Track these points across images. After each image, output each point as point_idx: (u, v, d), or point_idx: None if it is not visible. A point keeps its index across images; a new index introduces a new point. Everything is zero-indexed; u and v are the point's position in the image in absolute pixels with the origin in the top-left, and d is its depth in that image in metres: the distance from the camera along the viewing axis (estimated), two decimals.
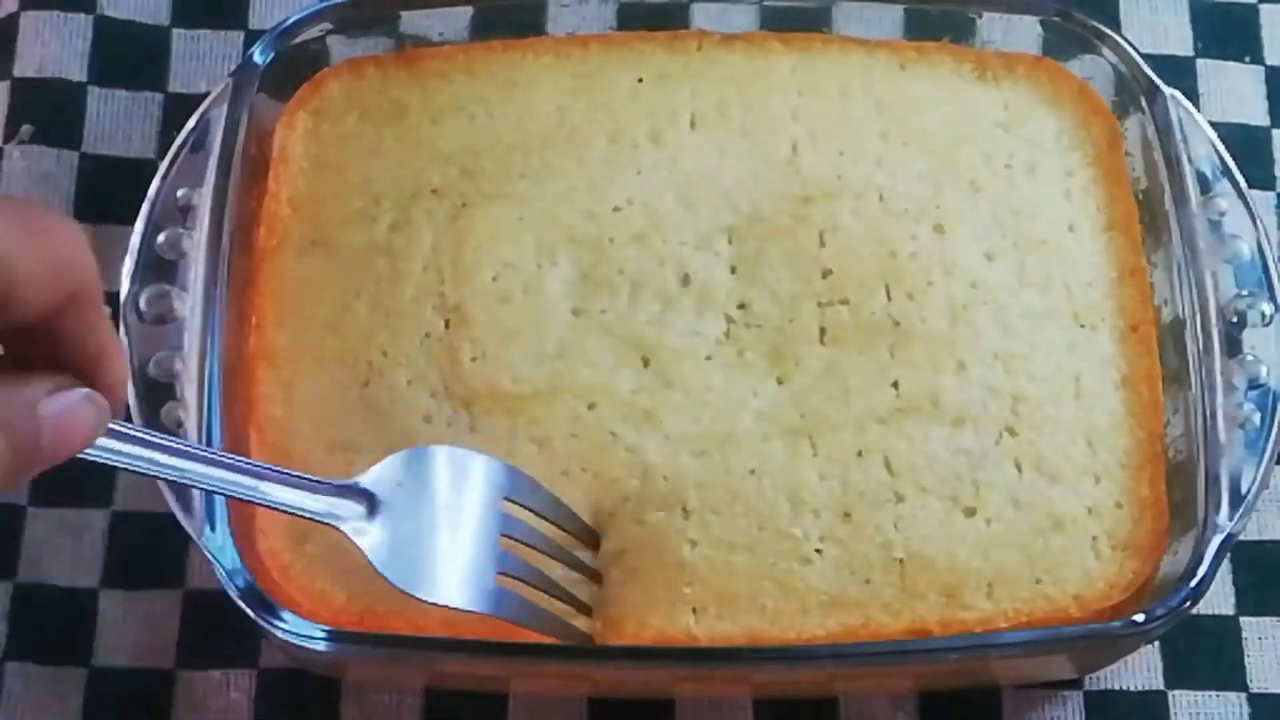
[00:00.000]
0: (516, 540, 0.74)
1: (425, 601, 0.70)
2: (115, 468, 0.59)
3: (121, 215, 0.84)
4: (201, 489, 0.69)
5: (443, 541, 0.71)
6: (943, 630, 0.76)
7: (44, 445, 0.52)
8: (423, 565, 0.71)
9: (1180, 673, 0.86)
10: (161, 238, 0.80)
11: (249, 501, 0.67)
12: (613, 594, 0.76)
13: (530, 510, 0.75)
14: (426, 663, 0.80)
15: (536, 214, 0.82)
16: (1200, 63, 0.99)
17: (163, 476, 0.62)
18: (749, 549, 0.77)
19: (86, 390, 0.53)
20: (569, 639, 0.75)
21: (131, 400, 0.77)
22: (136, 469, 0.60)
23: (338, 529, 0.69)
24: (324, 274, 0.83)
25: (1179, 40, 0.99)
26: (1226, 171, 0.82)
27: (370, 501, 0.70)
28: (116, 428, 0.58)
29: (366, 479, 0.71)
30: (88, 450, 0.55)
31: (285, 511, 0.68)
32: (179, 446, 0.63)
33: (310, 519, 0.69)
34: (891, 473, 0.78)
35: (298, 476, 0.69)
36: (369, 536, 0.70)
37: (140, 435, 0.60)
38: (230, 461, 0.66)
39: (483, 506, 0.73)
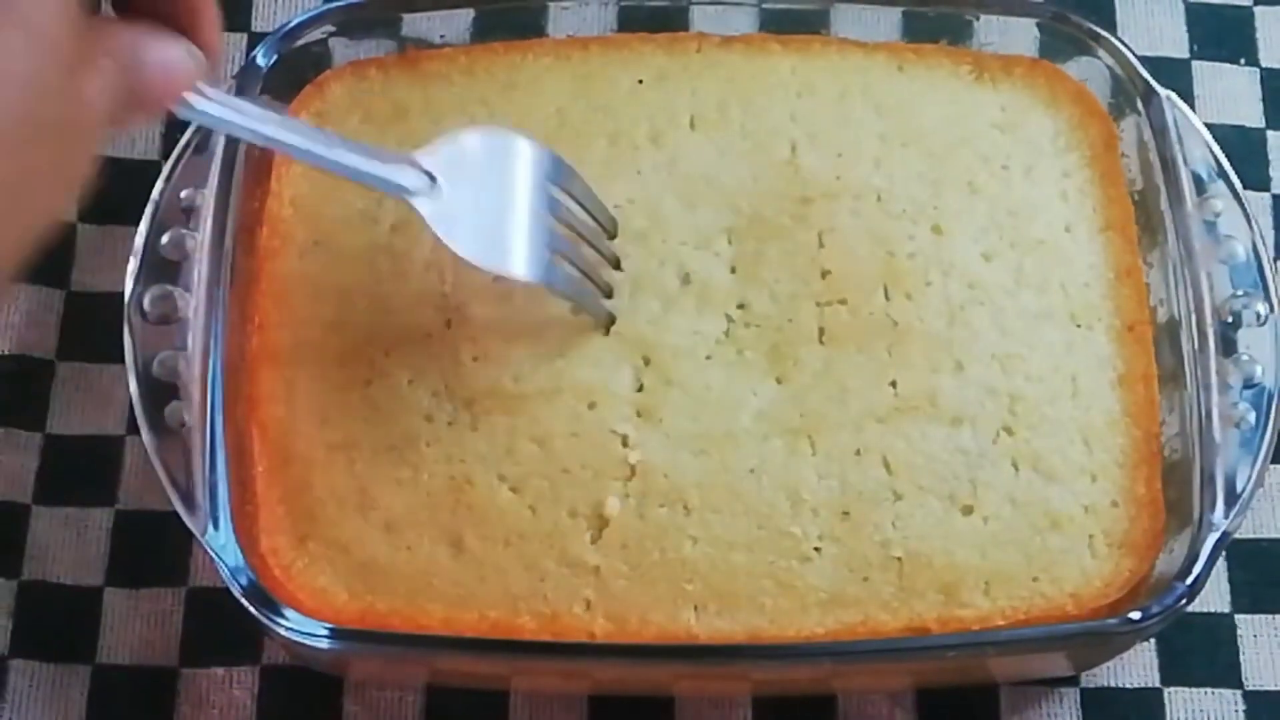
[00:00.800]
0: (563, 222, 0.78)
1: (491, 270, 0.74)
2: (200, 124, 0.67)
3: (125, 216, 0.85)
4: (278, 148, 0.71)
5: (502, 217, 0.75)
6: (941, 628, 0.77)
7: (149, 86, 0.57)
8: (484, 237, 0.74)
9: (1176, 670, 0.86)
10: (165, 238, 0.80)
11: (321, 166, 0.70)
12: (614, 591, 0.77)
13: (573, 197, 0.79)
14: (428, 660, 0.80)
15: None
16: (1196, 65, 0.99)
17: (241, 136, 0.68)
18: (749, 547, 0.77)
19: (187, 43, 0.58)
20: (601, 315, 0.80)
21: (135, 399, 0.77)
22: (220, 126, 0.66)
23: (402, 198, 0.72)
24: (326, 274, 0.83)
25: (1175, 42, 1.00)
26: (1222, 173, 0.82)
27: (430, 177, 0.72)
28: (203, 89, 0.62)
29: (426, 155, 0.73)
30: (181, 104, 0.60)
31: (353, 178, 0.71)
32: (260, 110, 0.67)
33: (376, 186, 0.72)
34: (890, 472, 0.79)
35: (366, 146, 0.72)
36: (431, 208, 0.72)
37: (224, 99, 0.64)
38: (305, 128, 0.72)
39: (535, 188, 0.76)
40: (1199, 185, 0.82)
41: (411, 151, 0.73)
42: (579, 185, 0.79)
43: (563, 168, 0.78)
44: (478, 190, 0.74)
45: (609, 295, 0.80)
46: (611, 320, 0.80)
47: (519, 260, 0.75)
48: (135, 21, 0.57)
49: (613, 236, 0.82)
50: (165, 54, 0.57)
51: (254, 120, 0.66)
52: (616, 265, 0.81)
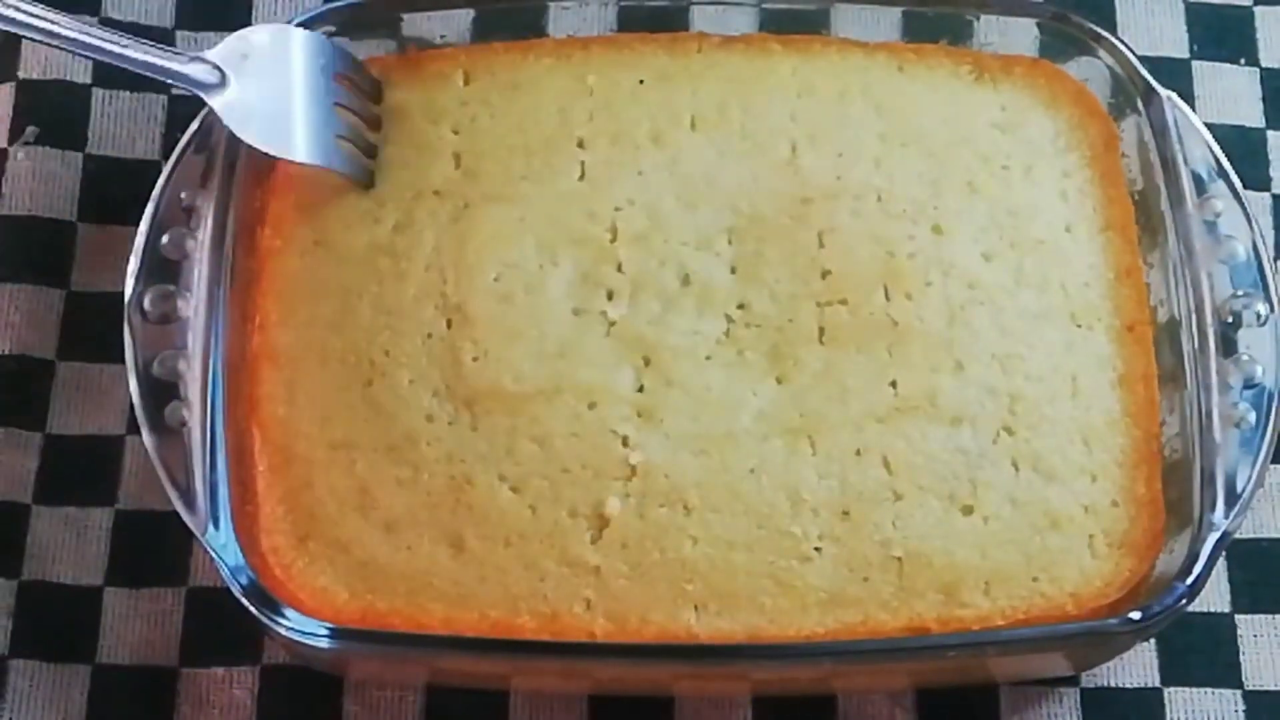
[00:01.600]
0: (343, 106, 0.84)
1: (277, 156, 0.81)
2: None
3: (125, 216, 0.85)
4: (69, 50, 0.77)
5: (290, 107, 0.81)
6: (941, 628, 0.77)
7: None
8: (275, 126, 0.80)
9: (1176, 670, 0.86)
10: (165, 238, 0.80)
11: (115, 63, 0.78)
12: (614, 590, 0.77)
13: (351, 80, 0.85)
14: (428, 659, 0.80)
15: (538, 214, 0.83)
16: (1196, 65, 0.99)
17: (35, 38, 0.74)
18: (749, 547, 0.77)
19: None
20: (362, 176, 0.84)
21: (135, 399, 0.77)
22: (16, 30, 0.73)
23: (195, 93, 0.78)
24: (327, 274, 0.83)
25: (1175, 42, 1.00)
26: (1222, 173, 0.82)
27: (220, 72, 0.79)
28: None
29: (214, 52, 0.79)
30: None
31: (147, 72, 0.77)
32: (55, 15, 0.75)
33: (170, 80, 0.79)
34: (890, 472, 0.79)
35: (156, 45, 0.78)
36: (222, 101, 0.79)
37: (23, 4, 0.73)
38: (101, 30, 0.77)
39: (318, 78, 0.83)
40: (1199, 185, 0.82)
41: (203, 51, 0.80)
42: (352, 65, 0.85)
43: (341, 55, 0.85)
44: (265, 84, 0.80)
45: (371, 155, 0.85)
46: (371, 177, 0.84)
47: (302, 145, 0.81)
48: None
49: (377, 100, 0.86)
50: None
51: (48, 23, 0.73)
52: (377, 126, 0.86)
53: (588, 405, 0.79)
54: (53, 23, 0.74)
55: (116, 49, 0.76)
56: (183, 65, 0.78)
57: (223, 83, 0.79)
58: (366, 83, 0.86)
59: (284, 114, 0.81)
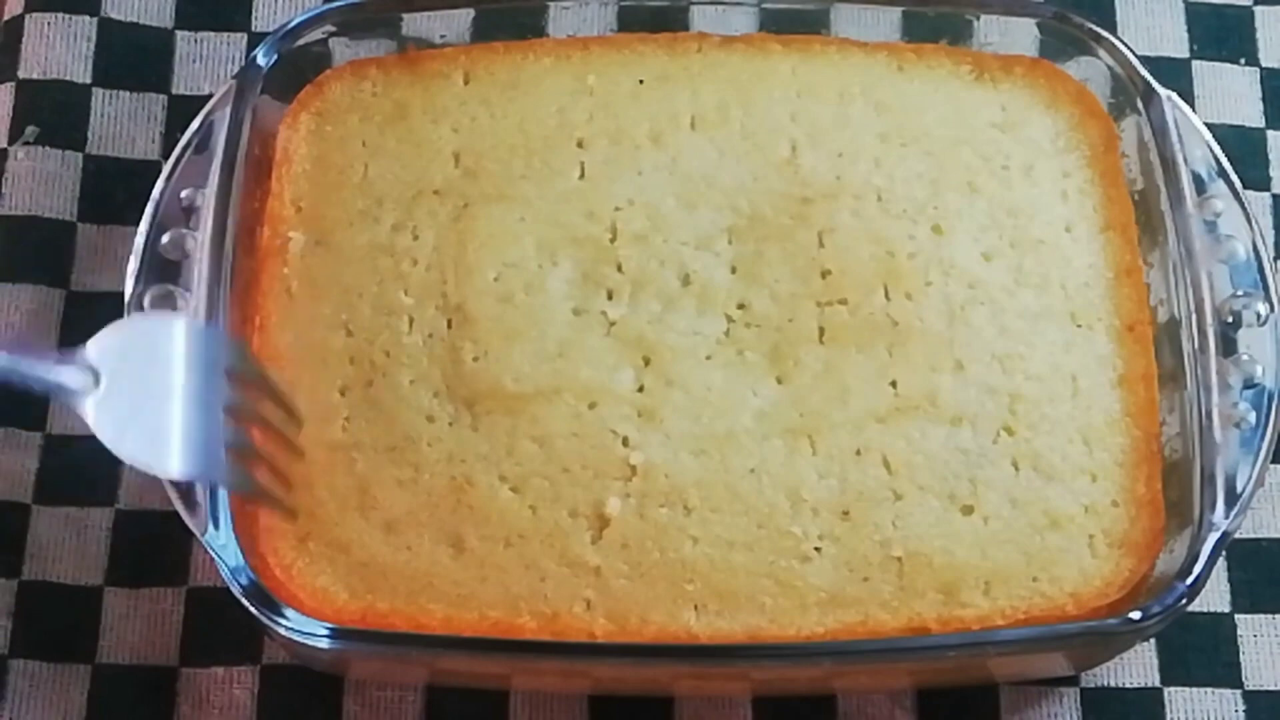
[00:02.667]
0: (236, 412, 0.74)
1: (153, 473, 0.71)
2: None
3: (125, 216, 0.85)
4: None
5: (171, 413, 0.71)
6: (941, 628, 0.77)
7: None
8: (153, 437, 0.70)
9: (1176, 670, 0.86)
10: (165, 238, 0.80)
11: None
12: (614, 590, 0.77)
13: (249, 382, 0.75)
14: (428, 660, 0.80)
15: (538, 214, 0.83)
16: (1196, 65, 0.99)
17: None
18: (749, 547, 0.77)
19: None
20: (282, 513, 0.76)
21: None
22: None
23: (64, 400, 0.69)
24: (327, 274, 0.83)
25: (1175, 42, 1.00)
26: (1222, 173, 0.82)
27: (94, 374, 0.69)
28: None
29: (90, 350, 0.70)
30: None
31: (11, 380, 0.67)
32: None
33: (37, 389, 0.68)
34: (890, 471, 0.79)
35: (22, 345, 0.70)
36: (94, 408, 0.69)
37: None
38: None
39: (205, 378, 0.72)
40: (1199, 185, 0.82)
41: (81, 346, 0.70)
42: (254, 372, 0.76)
43: (238, 355, 0.75)
44: (147, 385, 0.70)
45: (289, 486, 0.76)
46: (293, 516, 0.77)
47: (180, 459, 0.70)
48: None
49: (298, 424, 0.77)
50: None
51: None
52: (300, 455, 0.77)
53: (588, 405, 0.79)
54: None
55: None
56: (49, 370, 0.69)
57: (95, 385, 0.69)
58: (285, 402, 0.77)
59: (162, 420, 0.70)
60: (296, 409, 0.77)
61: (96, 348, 0.70)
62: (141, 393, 0.70)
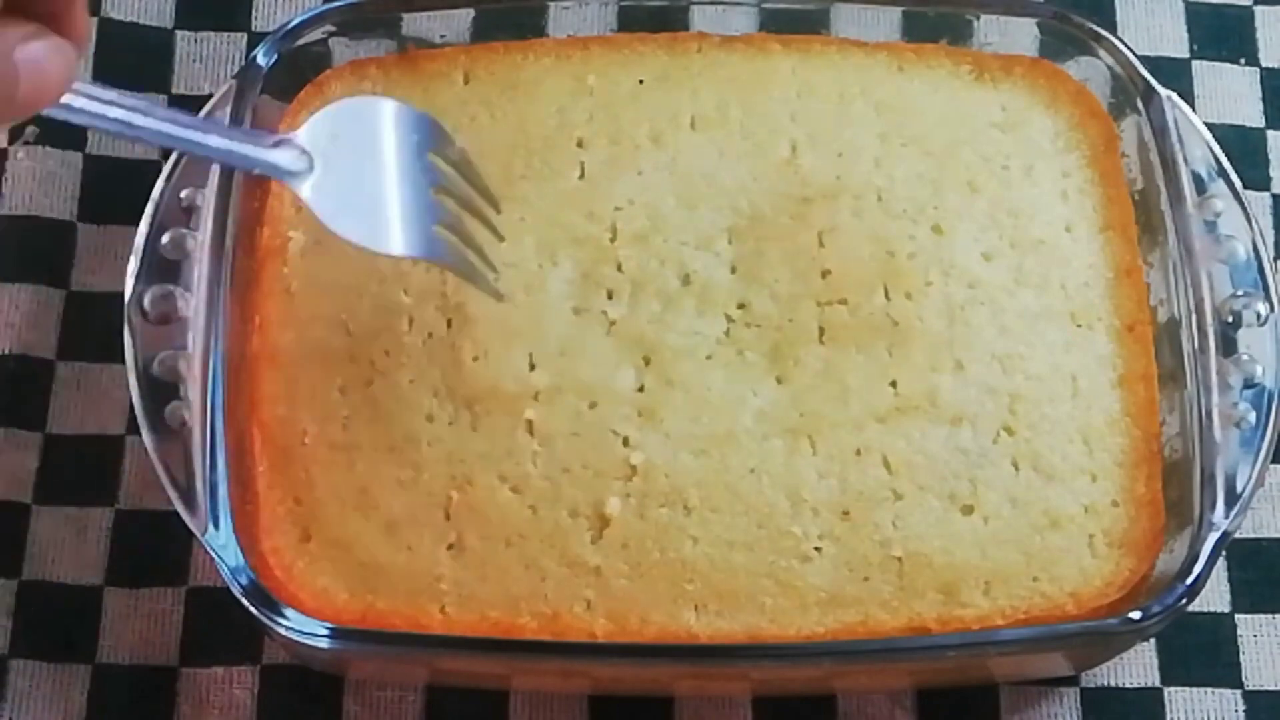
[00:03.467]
0: (445, 191, 0.75)
1: (373, 250, 0.72)
2: (71, 122, 0.61)
3: (125, 216, 0.85)
4: (150, 140, 0.68)
5: (383, 192, 0.72)
6: (941, 628, 0.77)
7: (20, 92, 0.53)
8: (368, 216, 0.72)
9: (1176, 670, 0.86)
10: (165, 238, 0.80)
11: (194, 154, 0.70)
12: (614, 590, 0.77)
13: (452, 164, 0.76)
14: (428, 660, 0.80)
15: (538, 214, 0.83)
16: (1196, 64, 0.99)
17: (112, 130, 0.64)
18: (749, 547, 0.77)
19: (58, 39, 0.54)
20: (489, 291, 0.77)
21: (135, 399, 0.77)
22: (90, 123, 0.62)
23: (282, 179, 0.70)
24: (327, 274, 0.83)
25: (1175, 42, 1.00)
26: (1222, 172, 0.82)
27: (308, 157, 0.70)
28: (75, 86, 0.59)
29: (302, 134, 0.71)
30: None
31: (231, 163, 0.70)
32: (130, 102, 0.64)
33: (254, 170, 0.70)
34: (890, 471, 0.79)
35: (240, 130, 0.71)
36: (311, 189, 0.70)
37: (94, 92, 0.61)
38: (180, 116, 0.67)
39: (413, 158, 0.74)
40: (1199, 185, 0.82)
41: (289, 131, 0.72)
42: (456, 152, 0.77)
43: (444, 137, 0.76)
44: (359, 167, 0.72)
45: (493, 268, 0.78)
46: (499, 295, 0.78)
47: (400, 237, 0.73)
48: (1, 23, 0.53)
49: (496, 208, 0.79)
50: (35, 53, 0.53)
51: (124, 112, 0.63)
52: (500, 238, 0.79)
53: (588, 405, 0.79)
54: (128, 117, 0.64)
55: (196, 138, 0.67)
56: (266, 152, 0.70)
57: (310, 168, 0.70)
58: (480, 183, 0.78)
59: (377, 200, 0.72)
60: (494, 194, 0.78)
61: (309, 131, 0.71)
62: (354, 174, 0.71)
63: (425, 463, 0.79)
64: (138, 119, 0.64)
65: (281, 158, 0.70)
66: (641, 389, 0.80)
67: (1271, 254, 0.82)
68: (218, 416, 0.77)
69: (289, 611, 0.74)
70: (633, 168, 0.84)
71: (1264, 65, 1.00)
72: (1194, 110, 0.84)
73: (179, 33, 0.98)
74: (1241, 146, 0.96)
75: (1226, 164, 0.82)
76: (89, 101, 0.61)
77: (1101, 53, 0.86)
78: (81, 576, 0.87)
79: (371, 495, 0.79)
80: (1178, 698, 0.86)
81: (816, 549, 0.78)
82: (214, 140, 0.68)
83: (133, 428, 0.86)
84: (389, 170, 0.73)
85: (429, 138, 0.75)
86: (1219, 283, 0.80)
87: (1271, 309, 0.79)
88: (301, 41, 0.86)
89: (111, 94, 0.63)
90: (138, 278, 0.79)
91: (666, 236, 0.83)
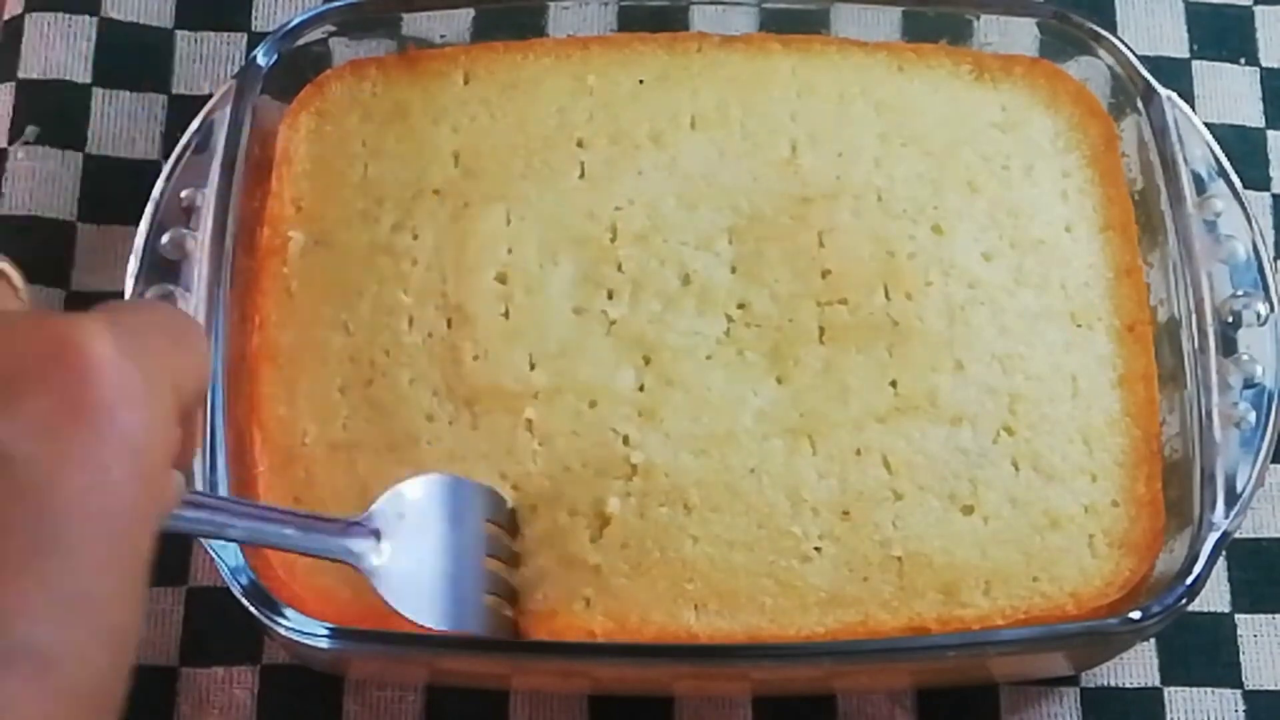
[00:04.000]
0: (492, 556, 0.76)
1: (428, 627, 0.73)
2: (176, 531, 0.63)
3: (125, 216, 0.85)
4: (237, 541, 0.72)
5: (442, 569, 0.74)
6: (941, 628, 0.77)
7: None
8: (428, 594, 0.73)
9: (1176, 670, 0.86)
10: (165, 238, 0.80)
11: (272, 547, 0.73)
12: (614, 590, 0.77)
13: (499, 526, 0.77)
14: (428, 660, 0.80)
15: (538, 214, 0.83)
16: (1196, 64, 0.99)
17: (205, 533, 0.67)
18: (749, 547, 0.77)
19: (176, 472, 0.57)
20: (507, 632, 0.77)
21: None
22: (189, 529, 0.65)
23: (355, 567, 0.71)
24: (327, 274, 0.83)
25: (1175, 42, 1.00)
26: (1222, 172, 0.82)
27: (376, 536, 0.72)
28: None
29: (372, 515, 0.72)
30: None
31: (304, 552, 0.71)
32: (218, 503, 0.69)
33: (325, 557, 0.71)
34: (890, 471, 0.79)
35: (312, 517, 0.73)
36: (378, 571, 0.72)
37: (189, 498, 0.63)
38: (256, 510, 0.71)
39: (472, 531, 0.76)
40: (1199, 185, 0.82)
41: (358, 514, 0.72)
42: (502, 510, 0.78)
43: (497, 502, 0.78)
44: (422, 545, 0.74)
45: (513, 601, 0.77)
46: (514, 629, 0.77)
47: (457, 615, 0.74)
48: None
49: (514, 533, 0.79)
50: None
51: (216, 515, 0.65)
52: (517, 564, 0.78)
53: (588, 404, 0.79)
54: (228, 520, 0.65)
55: (279, 533, 0.69)
56: (336, 543, 0.71)
57: (378, 545, 0.72)
58: (507, 517, 0.78)
59: (435, 577, 0.74)
60: (516, 523, 0.79)
61: (378, 513, 0.73)
62: (417, 553, 0.73)
63: (425, 462, 0.79)
64: (225, 520, 0.66)
65: (355, 544, 0.71)
66: (641, 389, 0.80)
67: (1271, 254, 0.81)
68: (218, 416, 0.77)
69: (289, 611, 0.74)
70: (633, 168, 0.84)
71: (1264, 65, 0.99)
72: (1194, 110, 0.84)
73: (179, 33, 0.98)
74: (1241, 146, 0.96)
75: (1226, 164, 0.82)
76: (195, 511, 0.64)
77: (1101, 52, 0.86)
78: None
79: (372, 495, 0.78)
80: (1178, 698, 0.86)
81: (816, 549, 0.78)
82: (289, 536, 0.69)
83: None
84: (449, 547, 0.75)
85: (486, 507, 0.77)
86: (1219, 283, 0.80)
87: (1271, 309, 0.79)
88: (301, 41, 0.86)
89: (197, 497, 0.68)
90: (137, 278, 0.79)
91: (666, 236, 0.83)
